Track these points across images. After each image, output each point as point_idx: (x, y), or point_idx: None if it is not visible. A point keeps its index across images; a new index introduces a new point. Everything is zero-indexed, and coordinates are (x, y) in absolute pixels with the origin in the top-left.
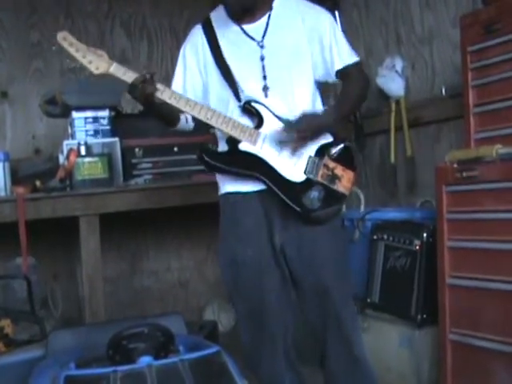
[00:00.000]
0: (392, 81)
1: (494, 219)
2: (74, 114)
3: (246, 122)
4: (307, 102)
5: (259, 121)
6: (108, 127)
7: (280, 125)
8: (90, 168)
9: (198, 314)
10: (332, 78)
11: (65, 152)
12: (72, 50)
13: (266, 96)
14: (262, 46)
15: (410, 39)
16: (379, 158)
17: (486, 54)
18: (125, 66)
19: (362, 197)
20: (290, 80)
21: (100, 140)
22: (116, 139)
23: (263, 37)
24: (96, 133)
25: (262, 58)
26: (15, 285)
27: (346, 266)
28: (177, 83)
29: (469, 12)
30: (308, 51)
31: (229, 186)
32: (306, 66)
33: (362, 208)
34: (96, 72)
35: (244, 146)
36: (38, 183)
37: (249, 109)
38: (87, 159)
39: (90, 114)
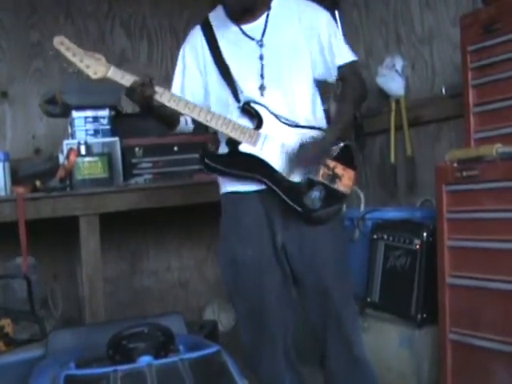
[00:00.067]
0: (392, 80)
1: (494, 219)
2: (74, 114)
3: (246, 123)
4: (307, 101)
5: (259, 122)
6: (108, 127)
7: (280, 125)
8: (90, 168)
9: (198, 313)
10: (331, 77)
11: (65, 152)
12: (69, 55)
13: (262, 95)
14: (261, 45)
15: (409, 39)
16: (379, 158)
17: (486, 53)
18: (123, 67)
19: (362, 196)
20: (290, 79)
21: (100, 139)
22: (116, 139)
23: (262, 36)
24: (96, 132)
25: (261, 57)
26: (15, 285)
27: (347, 265)
28: (176, 85)
29: (469, 12)
30: (307, 50)
31: (230, 185)
32: (306, 65)
33: (362, 207)
34: (94, 76)
35: (244, 148)
36: (38, 183)
37: (248, 110)
38: (87, 159)
39: (89, 113)
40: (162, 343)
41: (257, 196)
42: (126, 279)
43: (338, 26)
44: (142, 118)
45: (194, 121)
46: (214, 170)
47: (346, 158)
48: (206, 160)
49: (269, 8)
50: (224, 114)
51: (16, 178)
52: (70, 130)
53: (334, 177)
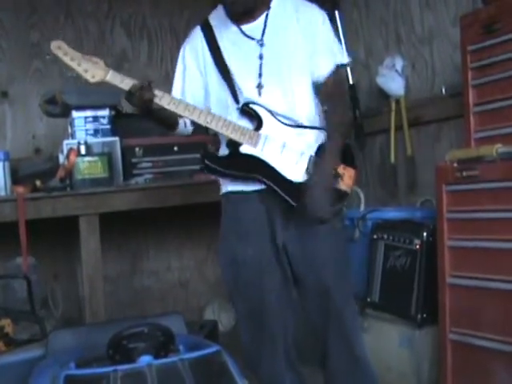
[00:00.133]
0: (392, 80)
1: (494, 218)
2: (74, 114)
3: (246, 124)
4: (308, 100)
5: (258, 122)
6: (108, 126)
7: (280, 125)
8: (90, 167)
9: (198, 313)
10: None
11: (65, 151)
12: (67, 59)
13: (260, 94)
14: (261, 45)
15: (409, 39)
16: (379, 158)
17: (486, 53)
18: (124, 67)
19: (362, 196)
20: (290, 78)
21: (100, 139)
22: (116, 138)
23: (262, 35)
24: (96, 132)
25: (261, 57)
26: (15, 285)
27: (347, 265)
28: (176, 86)
29: (469, 12)
30: (305, 50)
31: (230, 185)
32: (305, 65)
33: (362, 207)
34: (92, 80)
35: (245, 149)
36: (38, 183)
37: (247, 111)
38: (87, 159)
39: (89, 113)
40: (162, 343)
41: (257, 196)
42: (127, 279)
43: (335, 27)
44: (142, 117)
45: (193, 123)
46: (214, 171)
47: (346, 157)
48: (207, 161)
49: (268, 8)
50: (224, 116)
51: (16, 177)
52: (69, 130)
53: (336, 176)
